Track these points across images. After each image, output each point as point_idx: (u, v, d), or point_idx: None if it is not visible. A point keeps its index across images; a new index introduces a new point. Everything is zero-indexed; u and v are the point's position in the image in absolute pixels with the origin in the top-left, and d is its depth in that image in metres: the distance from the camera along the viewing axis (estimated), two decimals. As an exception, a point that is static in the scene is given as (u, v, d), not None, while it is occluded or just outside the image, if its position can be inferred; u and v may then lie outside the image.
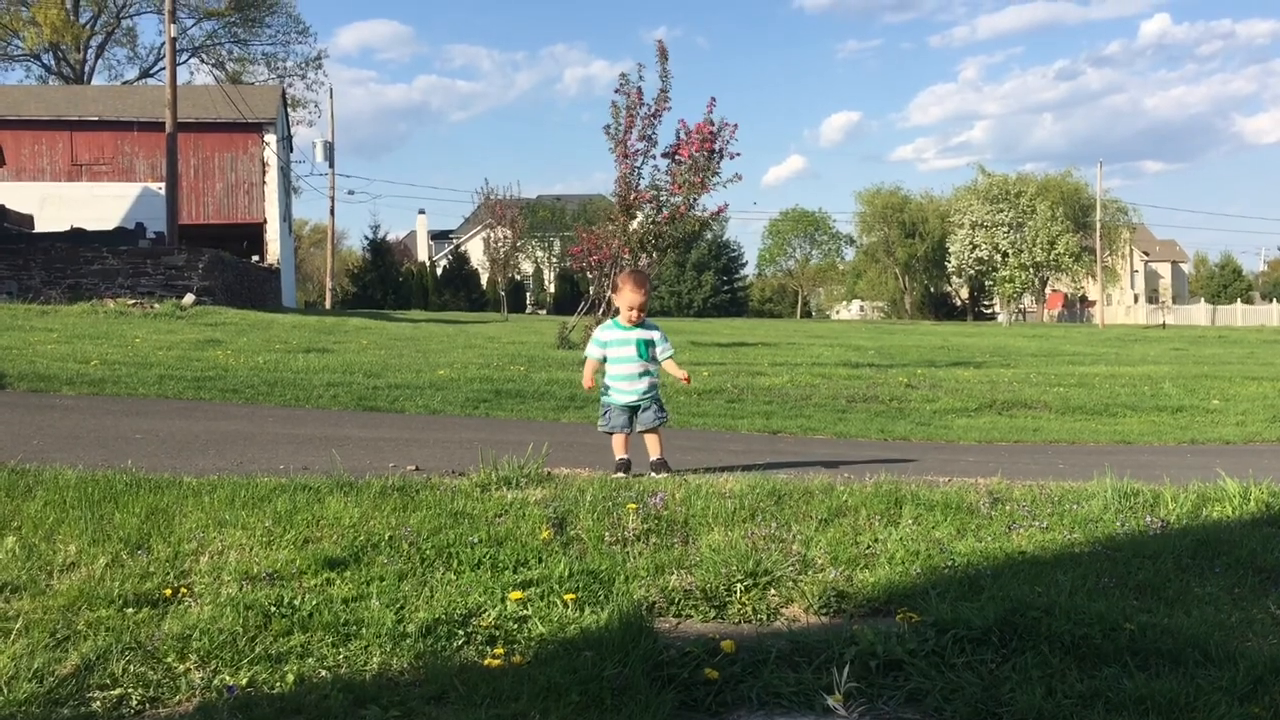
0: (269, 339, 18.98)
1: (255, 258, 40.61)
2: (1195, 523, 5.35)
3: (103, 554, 4.35)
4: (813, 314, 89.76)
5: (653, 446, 6.63)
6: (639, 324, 6.65)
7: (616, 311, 6.81)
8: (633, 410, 6.62)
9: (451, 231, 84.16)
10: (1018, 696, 3.37)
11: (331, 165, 56.12)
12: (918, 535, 5.07)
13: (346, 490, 5.37)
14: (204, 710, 3.10)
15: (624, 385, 6.62)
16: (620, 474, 6.35)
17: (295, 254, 60.67)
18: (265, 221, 43.94)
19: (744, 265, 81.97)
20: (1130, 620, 3.84)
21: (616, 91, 16.96)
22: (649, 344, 6.66)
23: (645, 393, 6.63)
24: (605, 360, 6.69)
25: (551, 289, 68.36)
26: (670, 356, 6.75)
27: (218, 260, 28.52)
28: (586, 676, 3.40)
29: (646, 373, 6.66)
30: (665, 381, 14.24)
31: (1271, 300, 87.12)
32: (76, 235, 31.15)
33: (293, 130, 54.23)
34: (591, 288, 19.66)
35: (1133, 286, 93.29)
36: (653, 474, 6.31)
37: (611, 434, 6.69)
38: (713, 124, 16.51)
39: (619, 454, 6.63)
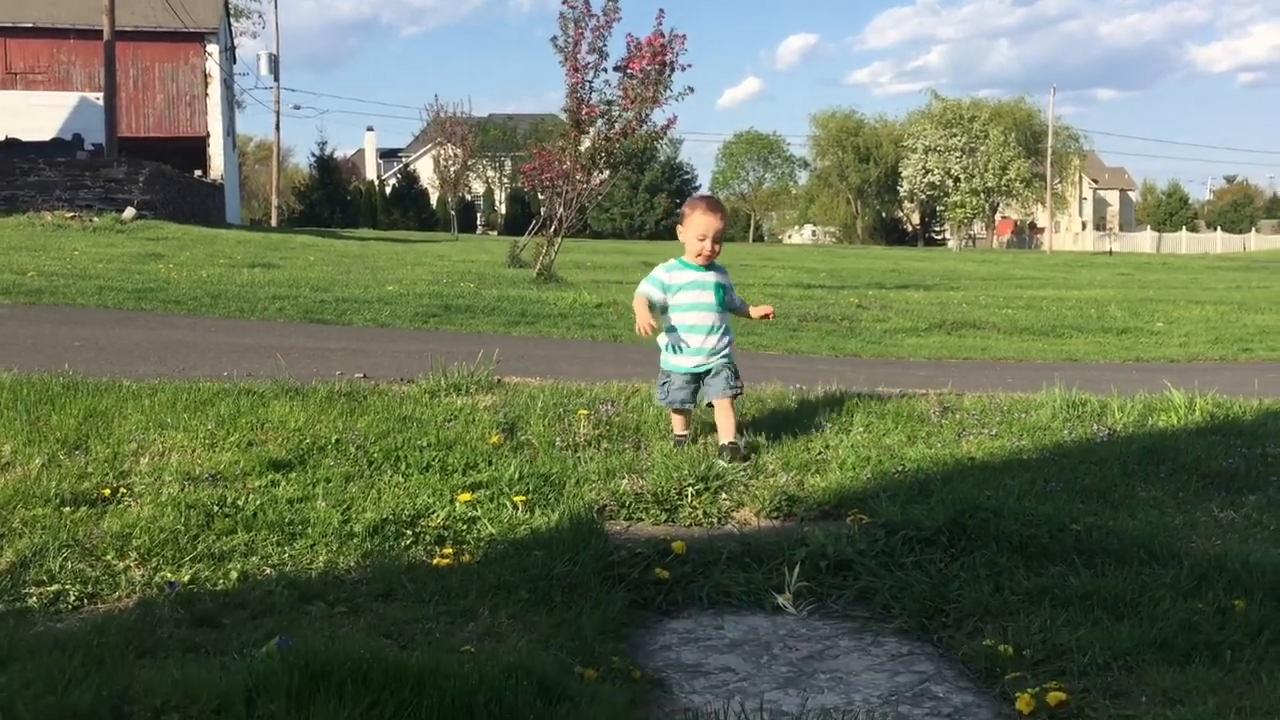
0: (213, 254, 18.64)
1: (198, 172, 39.71)
2: (1141, 431, 5.41)
3: (38, 454, 4.24)
4: (765, 238, 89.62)
5: (725, 422, 4.96)
6: (711, 264, 5.08)
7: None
8: (699, 377, 5.04)
9: (401, 150, 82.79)
10: (965, 593, 3.40)
11: (277, 79, 54.90)
12: (869, 442, 5.08)
13: (292, 395, 5.28)
14: (144, 606, 3.03)
15: (694, 342, 5.00)
16: (678, 448, 4.95)
17: (240, 170, 59.42)
18: (208, 135, 42.89)
19: (697, 188, 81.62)
20: (1077, 522, 3.88)
21: (564, 3, 16.61)
22: (726, 289, 5.10)
23: (719, 353, 5.02)
24: (666, 309, 5.04)
25: (503, 209, 67.64)
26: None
27: (159, 174, 27.87)
28: (536, 575, 3.38)
29: (724, 328, 5.08)
30: (624, 302, 14.18)
31: (1216, 229, 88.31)
32: (11, 145, 30.33)
33: (236, 41, 52.74)
34: (543, 208, 19.41)
35: (1081, 214, 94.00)
36: (720, 460, 4.70)
37: (670, 409, 5.15)
38: (663, 35, 16.21)
39: (679, 430, 5.11)
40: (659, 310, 5.03)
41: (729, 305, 5.12)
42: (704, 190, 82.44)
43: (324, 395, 5.32)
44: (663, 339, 5.07)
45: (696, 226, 4.98)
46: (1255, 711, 2.56)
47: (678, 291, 5.00)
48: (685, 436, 5.08)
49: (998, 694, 2.84)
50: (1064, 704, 2.67)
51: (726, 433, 4.93)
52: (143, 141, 40.50)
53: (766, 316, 5.32)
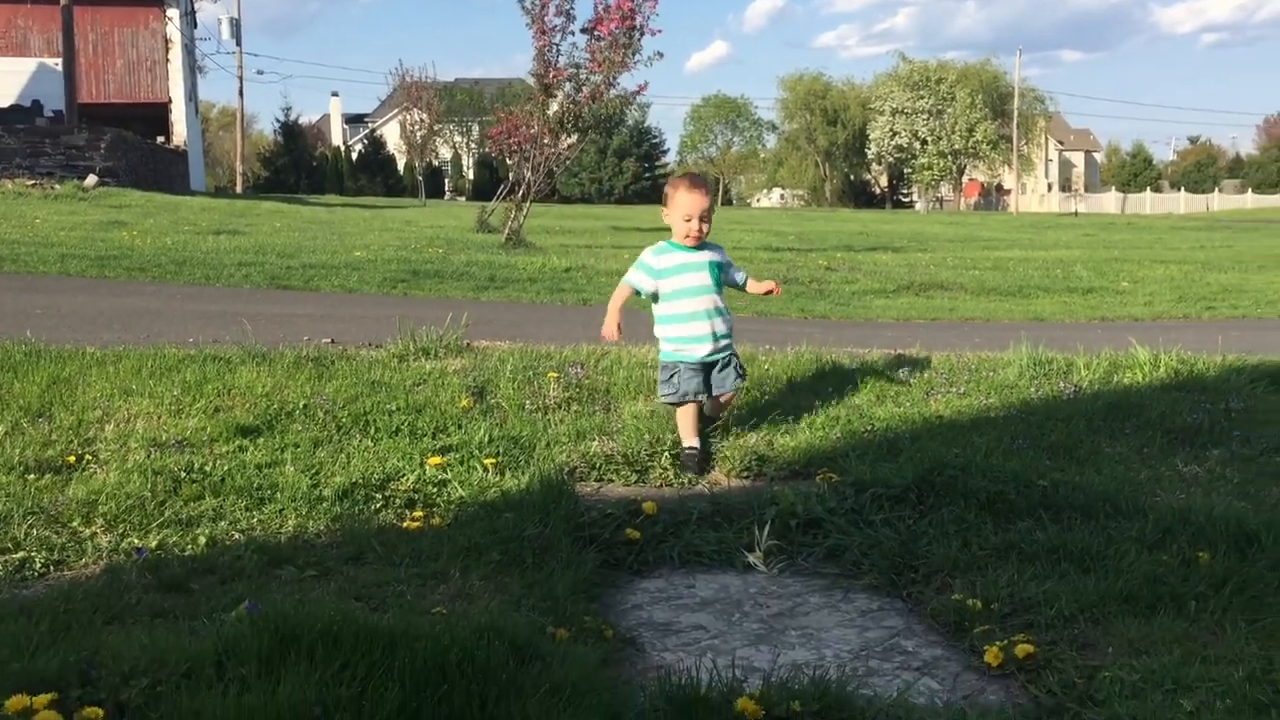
0: (177, 221, 18.40)
1: (160, 139, 39.13)
2: (1107, 388, 5.46)
3: (1, 422, 4.19)
4: (734, 202, 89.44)
5: (714, 412, 4.67)
6: (702, 243, 4.56)
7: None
8: (709, 367, 4.51)
9: (366, 115, 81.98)
10: (934, 549, 3.42)
11: (239, 43, 54.12)
12: (837, 402, 5.09)
13: (259, 361, 5.25)
14: (112, 572, 3.01)
15: (696, 330, 4.47)
16: (689, 471, 4.30)
17: (203, 137, 58.54)
18: (170, 101, 42.21)
19: (665, 152, 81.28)
20: (1044, 478, 3.91)
21: (532, -36, 16.40)
22: (721, 267, 4.58)
23: (724, 338, 4.52)
24: (656, 298, 4.53)
25: (470, 175, 67.14)
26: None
27: (120, 140, 27.44)
28: (507, 536, 3.37)
29: (724, 311, 4.57)
30: (593, 266, 14.14)
31: (1180, 189, 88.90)
32: (-32, 113, 29.72)
33: (196, 6, 51.86)
34: (511, 173, 19.28)
35: (1047, 175, 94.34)
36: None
37: (679, 404, 4.46)
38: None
39: (689, 440, 4.41)
40: (651, 300, 4.56)
41: (728, 283, 4.63)
42: (672, 154, 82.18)
43: (291, 361, 5.28)
44: (659, 330, 4.57)
45: (680, 207, 4.47)
46: (1219, 660, 2.60)
47: (669, 276, 4.48)
48: (696, 450, 4.36)
49: (966, 647, 2.87)
50: (1032, 656, 2.70)
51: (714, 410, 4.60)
52: (103, 108, 39.81)
53: (770, 293, 4.75)
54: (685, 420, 4.45)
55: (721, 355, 4.52)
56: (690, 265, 4.50)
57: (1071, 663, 2.66)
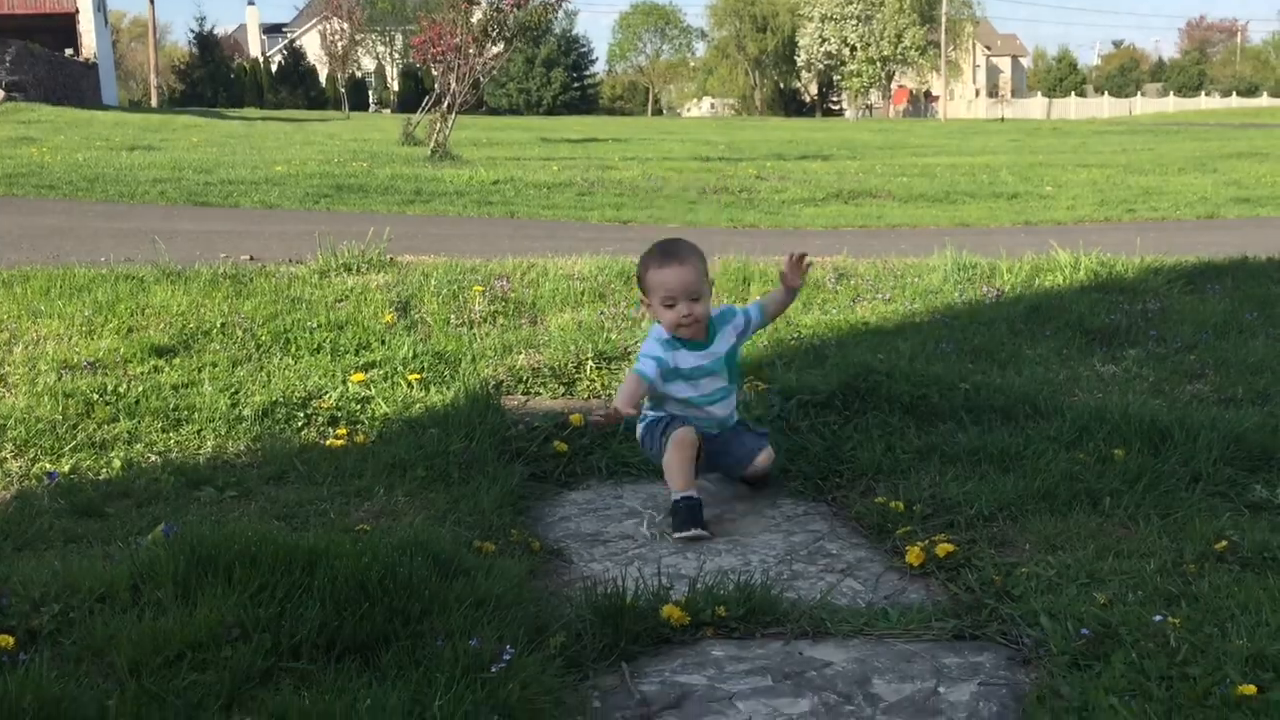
0: (89, 136, 17.85)
1: (69, 51, 37.69)
2: (1029, 291, 5.52)
3: (-98, 348, 4.05)
4: (664, 111, 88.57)
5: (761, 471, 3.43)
6: (710, 329, 3.36)
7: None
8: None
9: (285, 25, 79.57)
10: (859, 454, 3.45)
11: (147, -50, 51.93)
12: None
13: (174, 279, 5.12)
14: (22, 498, 2.94)
15: (699, 413, 3.36)
16: (691, 530, 3.07)
17: (115, 48, 56.57)
18: (77, 11, 40.56)
19: (594, 61, 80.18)
20: (966, 381, 3.95)
21: None
22: (736, 350, 3.47)
23: (730, 417, 3.47)
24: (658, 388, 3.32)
25: (395, 86, 65.68)
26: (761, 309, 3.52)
27: (26, 53, 26.44)
28: (432, 452, 3.35)
29: (732, 392, 3.48)
30: (521, 178, 13.93)
31: (1104, 93, 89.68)
32: None
33: (101, -90, 49.62)
34: (436, 84, 18.88)
35: (975, 81, 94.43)
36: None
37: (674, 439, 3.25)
38: (555, -99, 15.72)
39: (681, 486, 3.18)
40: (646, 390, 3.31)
41: (751, 332, 3.55)
42: (601, 64, 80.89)
43: (208, 278, 5.16)
44: (651, 407, 3.42)
45: (654, 290, 3.28)
46: (1132, 554, 2.66)
47: (680, 380, 3.33)
48: (696, 498, 3.15)
49: (889, 548, 2.91)
50: (951, 555, 2.74)
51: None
52: (6, 19, 38.15)
53: (802, 260, 3.42)
54: (677, 460, 3.21)
55: (725, 424, 3.46)
56: (705, 369, 3.35)
57: (990, 560, 2.70)
